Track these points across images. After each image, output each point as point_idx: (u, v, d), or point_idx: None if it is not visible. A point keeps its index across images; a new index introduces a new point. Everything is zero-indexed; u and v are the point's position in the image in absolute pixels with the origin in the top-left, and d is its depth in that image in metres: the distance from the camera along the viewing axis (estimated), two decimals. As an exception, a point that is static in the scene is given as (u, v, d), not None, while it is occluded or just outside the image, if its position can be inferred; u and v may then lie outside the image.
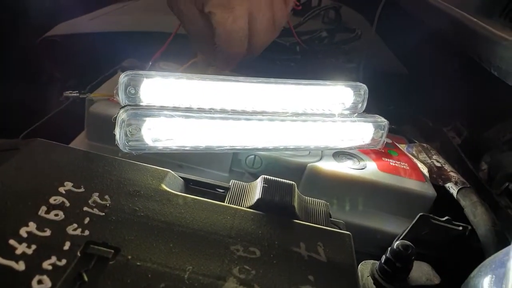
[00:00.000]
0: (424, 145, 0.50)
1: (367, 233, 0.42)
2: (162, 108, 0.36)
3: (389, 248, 0.32)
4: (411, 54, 0.73)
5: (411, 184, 0.43)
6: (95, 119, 0.42)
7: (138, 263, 0.24)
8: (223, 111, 0.38)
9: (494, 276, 0.27)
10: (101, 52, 0.62)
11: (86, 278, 0.22)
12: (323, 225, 0.31)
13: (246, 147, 0.40)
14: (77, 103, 0.49)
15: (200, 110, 0.37)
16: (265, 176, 0.32)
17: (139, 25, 0.71)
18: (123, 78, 0.39)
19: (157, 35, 0.63)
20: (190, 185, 0.33)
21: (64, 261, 0.23)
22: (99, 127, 0.41)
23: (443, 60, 0.66)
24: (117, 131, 0.34)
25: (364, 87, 0.46)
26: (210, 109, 0.37)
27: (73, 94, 0.46)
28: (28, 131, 0.43)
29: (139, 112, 0.34)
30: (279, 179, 0.32)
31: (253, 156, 0.42)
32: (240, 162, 0.43)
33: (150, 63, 0.50)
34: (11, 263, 0.22)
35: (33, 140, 0.32)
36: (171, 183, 0.31)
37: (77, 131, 0.45)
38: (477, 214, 0.39)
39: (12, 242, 0.23)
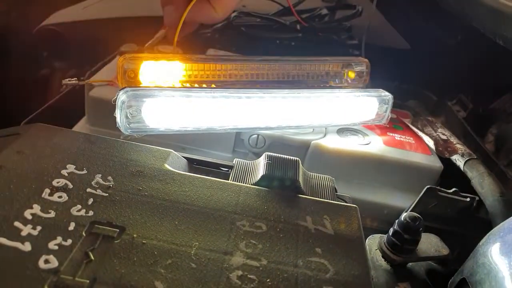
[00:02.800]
0: (429, 118, 0.49)
1: (374, 209, 0.41)
2: (163, 88, 0.35)
3: (396, 221, 0.32)
4: (413, 28, 0.72)
5: (417, 157, 0.42)
6: (95, 104, 0.41)
7: (144, 241, 0.23)
8: (224, 90, 0.38)
9: (502, 242, 0.27)
10: (100, 38, 0.61)
11: (92, 257, 0.22)
12: (329, 200, 0.30)
13: (248, 126, 0.39)
14: (77, 90, 0.49)
15: (201, 90, 0.36)
16: (269, 153, 0.32)
17: (137, 10, 0.71)
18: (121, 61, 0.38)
19: (155, 19, 0.62)
20: (193, 165, 0.33)
21: (69, 241, 0.22)
22: (99, 111, 0.41)
23: (445, 33, 0.65)
24: (117, 114, 0.33)
25: (366, 61, 0.45)
26: (210, 87, 0.37)
27: (72, 81, 0.46)
28: (28, 119, 0.43)
29: (139, 93, 0.33)
30: (283, 156, 0.32)
31: (256, 135, 0.42)
32: (243, 142, 0.43)
33: (147, 45, 0.49)
34: (17, 244, 0.22)
35: (34, 125, 0.31)
36: (174, 162, 0.31)
37: (78, 118, 0.45)
38: (484, 184, 0.39)
39: (17, 224, 0.23)
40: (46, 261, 0.21)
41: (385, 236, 0.33)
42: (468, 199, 0.38)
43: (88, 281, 0.21)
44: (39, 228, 0.23)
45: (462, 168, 0.42)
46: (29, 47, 0.62)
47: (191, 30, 0.49)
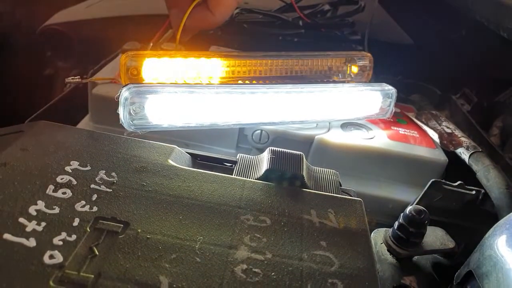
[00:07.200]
0: (433, 112, 0.49)
1: (379, 203, 0.41)
2: (165, 85, 0.35)
3: (401, 214, 0.32)
4: (416, 23, 0.72)
5: (422, 151, 0.42)
6: (98, 101, 0.41)
7: (148, 236, 0.23)
8: (227, 85, 0.37)
9: (509, 234, 0.27)
10: (103, 37, 0.61)
11: (97, 252, 0.22)
12: (333, 193, 0.30)
13: (252, 122, 0.39)
14: (81, 88, 0.49)
15: (204, 86, 0.36)
16: (272, 147, 0.32)
17: (139, 8, 0.71)
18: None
19: (157, 17, 0.62)
20: (197, 160, 0.33)
21: (74, 237, 0.22)
22: (102, 109, 0.41)
23: (448, 27, 0.65)
24: (120, 110, 0.33)
25: (369, 56, 0.45)
26: (212, 83, 0.37)
27: (75, 80, 0.46)
28: (32, 117, 0.43)
29: (142, 89, 0.33)
30: (286, 150, 0.32)
31: (259, 130, 0.42)
32: (246, 138, 0.43)
33: (151, 45, 0.50)
34: (22, 240, 0.22)
35: (38, 122, 0.31)
36: (177, 158, 0.31)
37: (81, 116, 0.45)
38: (490, 177, 0.39)
39: (21, 220, 0.23)
40: (51, 257, 0.21)
41: (390, 230, 0.33)
42: (473, 192, 0.37)
43: (93, 276, 0.21)
44: (43, 224, 0.23)
45: (467, 161, 0.42)
46: (33, 47, 0.63)
47: (193, 34, 0.50)
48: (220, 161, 0.32)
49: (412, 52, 0.69)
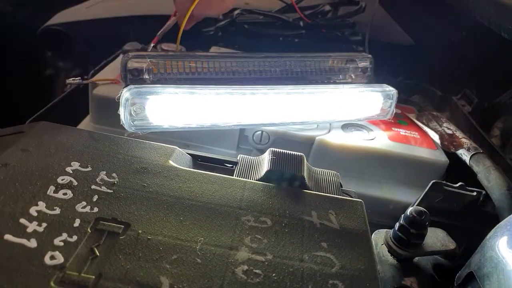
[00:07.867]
0: (434, 113, 0.49)
1: (380, 204, 0.41)
2: (166, 85, 0.35)
3: (402, 215, 0.32)
4: (416, 24, 0.72)
5: (423, 152, 0.42)
6: (99, 102, 0.41)
7: (149, 237, 0.23)
8: (228, 86, 0.37)
9: (510, 236, 0.27)
10: (103, 38, 0.62)
11: (97, 253, 0.22)
12: (334, 194, 0.30)
13: (252, 123, 0.39)
14: (81, 88, 0.49)
15: (205, 86, 0.36)
16: (273, 148, 0.32)
17: (140, 9, 0.71)
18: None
19: (157, 18, 0.62)
20: (198, 161, 0.33)
21: (75, 238, 0.22)
22: (103, 109, 0.41)
23: (449, 28, 0.65)
24: (121, 111, 0.33)
25: (370, 57, 0.45)
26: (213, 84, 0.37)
27: (76, 81, 0.46)
28: (33, 117, 0.43)
29: (143, 90, 0.33)
30: (287, 151, 0.32)
31: (260, 131, 0.42)
32: (247, 139, 0.43)
33: (152, 45, 0.50)
34: (23, 241, 0.22)
35: (39, 123, 0.31)
36: (178, 159, 0.31)
37: (82, 117, 0.45)
38: (491, 179, 0.39)
39: (23, 221, 0.23)
40: (52, 257, 0.21)
41: (391, 231, 0.33)
42: (474, 193, 0.37)
43: (93, 277, 0.21)
44: (44, 224, 0.23)
45: (468, 163, 0.41)
46: (33, 47, 0.63)
47: (197, 20, 0.49)
48: (221, 162, 0.32)
49: (413, 53, 0.69)
